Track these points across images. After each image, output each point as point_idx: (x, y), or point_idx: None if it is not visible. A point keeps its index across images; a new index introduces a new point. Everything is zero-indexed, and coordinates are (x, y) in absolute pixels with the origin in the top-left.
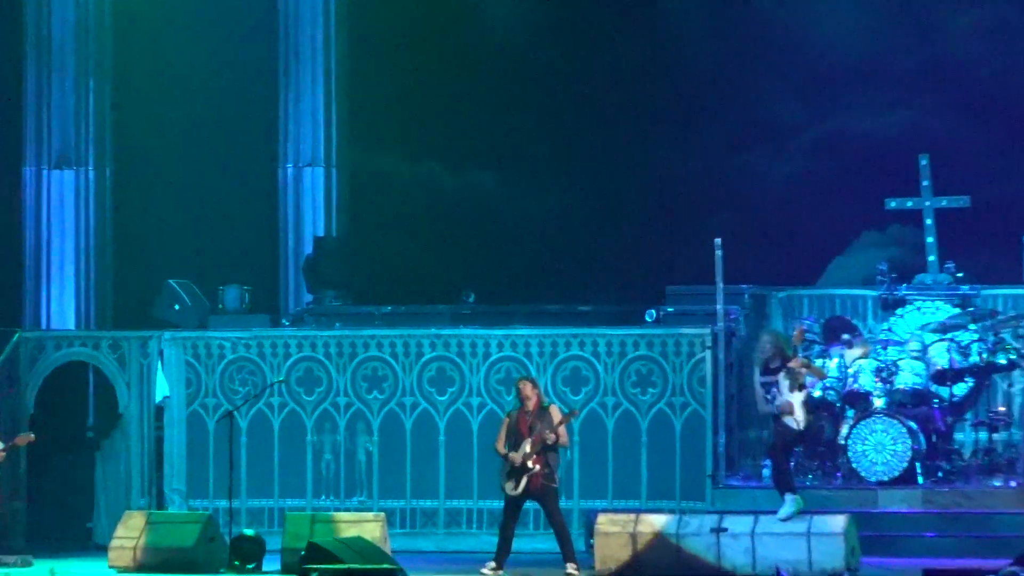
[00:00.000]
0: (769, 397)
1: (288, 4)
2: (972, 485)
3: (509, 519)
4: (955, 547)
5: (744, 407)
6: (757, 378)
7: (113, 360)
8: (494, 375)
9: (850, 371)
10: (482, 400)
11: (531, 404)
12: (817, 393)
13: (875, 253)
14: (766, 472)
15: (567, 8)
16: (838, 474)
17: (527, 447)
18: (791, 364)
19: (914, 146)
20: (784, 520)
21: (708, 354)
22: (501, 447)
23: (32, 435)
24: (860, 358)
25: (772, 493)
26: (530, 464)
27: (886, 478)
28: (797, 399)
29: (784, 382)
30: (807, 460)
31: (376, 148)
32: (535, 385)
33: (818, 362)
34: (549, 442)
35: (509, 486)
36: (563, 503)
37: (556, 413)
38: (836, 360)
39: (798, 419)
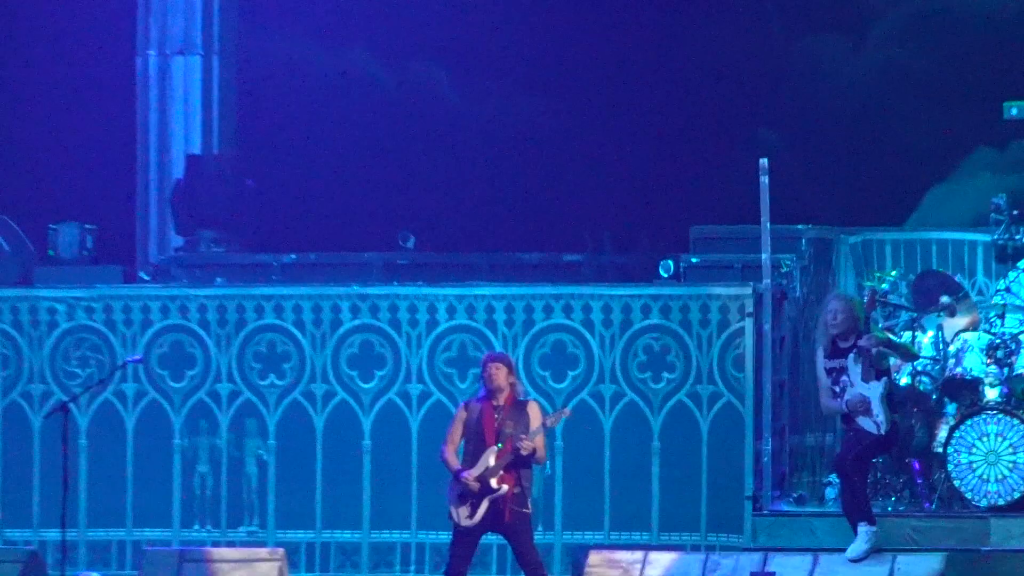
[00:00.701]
0: (837, 388)
1: None
2: None
3: (461, 559)
4: None
5: (800, 401)
6: (820, 362)
7: None
8: (443, 353)
9: (951, 349)
10: (425, 388)
11: (503, 396)
12: (904, 381)
13: (989, 181)
14: (831, 493)
15: None
16: (934, 496)
17: (491, 459)
18: (862, 341)
19: None
20: (856, 561)
21: (749, 324)
22: (452, 456)
23: None
24: (966, 330)
25: (839, 523)
26: (494, 483)
27: (1002, 502)
28: (875, 391)
29: (856, 367)
30: (890, 476)
31: (277, 29)
32: (511, 370)
33: (905, 336)
34: (524, 452)
35: (463, 512)
36: (539, 537)
37: (536, 413)
38: (931, 334)
39: (877, 419)
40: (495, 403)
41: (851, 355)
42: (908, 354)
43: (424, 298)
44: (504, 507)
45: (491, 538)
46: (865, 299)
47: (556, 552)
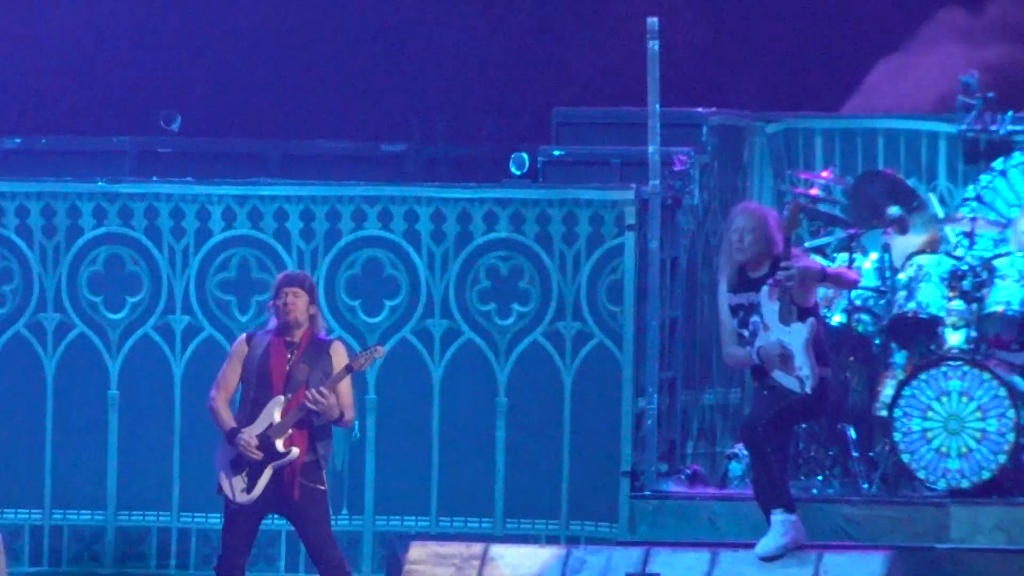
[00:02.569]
0: (746, 332)
1: None
2: None
3: (236, 548)
4: None
5: (698, 346)
6: (724, 297)
7: None
8: (217, 273)
9: (902, 277)
10: (193, 320)
11: (299, 331)
12: (837, 319)
13: (957, 53)
14: (736, 469)
15: None
16: (875, 475)
17: (277, 413)
18: (780, 274)
19: None
20: (769, 559)
21: (630, 240)
22: (223, 406)
23: None
24: (922, 253)
25: (748, 508)
26: (280, 446)
27: (966, 484)
28: (798, 336)
29: (771, 305)
30: (817, 448)
31: None
32: (313, 299)
33: (840, 259)
34: (316, 408)
35: (237, 485)
36: (343, 523)
37: (341, 358)
38: (875, 256)
39: (800, 373)
40: (289, 339)
41: (764, 288)
42: (843, 282)
43: (193, 199)
44: (292, 480)
45: (282, 522)
46: (786, 213)
47: (366, 544)
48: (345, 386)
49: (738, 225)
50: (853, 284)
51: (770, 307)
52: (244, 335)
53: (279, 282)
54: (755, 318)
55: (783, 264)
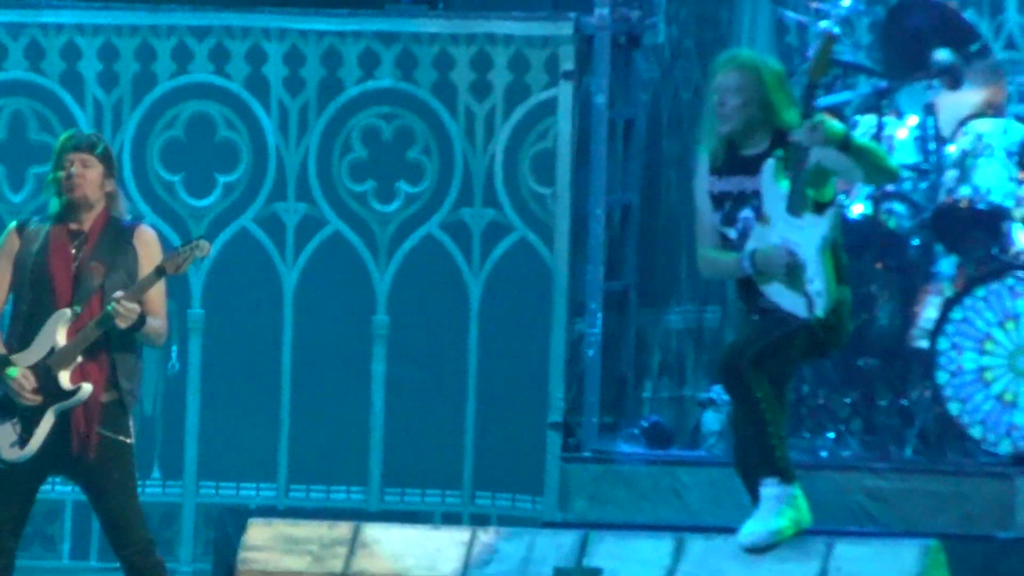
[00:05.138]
0: (733, 231)
1: None
2: None
3: (3, 524)
4: None
5: (661, 243)
6: (703, 178)
7: None
8: None
9: (952, 151)
10: None
11: (89, 215)
12: (859, 210)
13: None
14: (712, 420)
15: None
16: (910, 432)
17: (61, 333)
18: (799, 135)
19: None
20: (758, 550)
21: (566, 93)
22: None
23: None
24: (980, 116)
25: (727, 476)
26: (66, 381)
27: None
28: (812, 235)
29: (775, 188)
30: (828, 393)
31: None
32: (108, 164)
33: (865, 124)
34: (123, 324)
35: (5, 437)
36: (151, 489)
37: (151, 249)
38: (914, 120)
39: (809, 288)
40: (75, 226)
41: (770, 163)
42: (878, 167)
43: None
44: (84, 429)
45: (66, 489)
46: (812, 52)
47: (186, 520)
48: (155, 290)
49: (720, 82)
50: (888, 175)
51: (774, 191)
52: (15, 225)
53: (61, 145)
54: (746, 212)
55: (806, 125)
